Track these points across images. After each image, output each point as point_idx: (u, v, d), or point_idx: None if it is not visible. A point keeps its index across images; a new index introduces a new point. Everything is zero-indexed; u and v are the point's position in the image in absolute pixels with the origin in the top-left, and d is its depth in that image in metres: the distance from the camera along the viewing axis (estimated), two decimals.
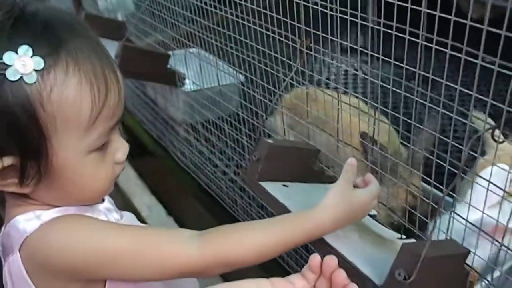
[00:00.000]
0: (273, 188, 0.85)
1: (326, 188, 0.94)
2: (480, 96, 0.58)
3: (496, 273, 0.83)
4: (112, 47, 1.50)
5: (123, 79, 0.60)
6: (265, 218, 1.32)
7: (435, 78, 0.64)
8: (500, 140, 0.56)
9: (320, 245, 0.72)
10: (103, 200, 0.69)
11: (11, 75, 0.51)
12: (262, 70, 0.99)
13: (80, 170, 0.58)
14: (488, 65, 0.54)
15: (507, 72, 0.53)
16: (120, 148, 0.63)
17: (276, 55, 0.91)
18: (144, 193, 2.11)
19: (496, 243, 0.64)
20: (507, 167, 0.67)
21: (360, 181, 0.73)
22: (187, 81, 1.53)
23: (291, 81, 0.88)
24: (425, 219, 0.78)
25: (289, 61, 0.90)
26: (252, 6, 0.93)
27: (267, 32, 0.92)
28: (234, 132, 1.30)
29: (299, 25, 0.82)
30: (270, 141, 0.86)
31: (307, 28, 0.81)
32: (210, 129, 1.45)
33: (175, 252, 0.60)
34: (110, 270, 0.59)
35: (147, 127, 2.01)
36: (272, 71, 0.96)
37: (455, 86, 0.61)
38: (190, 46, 1.39)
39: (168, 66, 1.50)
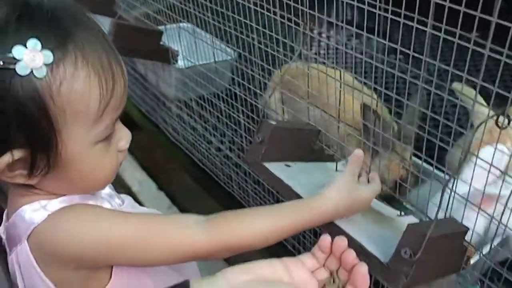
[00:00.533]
0: (276, 168, 0.87)
1: (326, 167, 0.98)
2: (457, 72, 0.60)
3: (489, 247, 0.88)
4: (101, 24, 1.48)
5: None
6: (261, 193, 1.36)
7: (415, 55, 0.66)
8: (504, 126, 0.59)
9: (326, 225, 0.75)
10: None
11: (21, 69, 0.50)
12: (262, 50, 1.00)
13: (87, 161, 0.59)
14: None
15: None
16: (123, 136, 0.63)
17: (277, 36, 0.92)
18: (134, 168, 2.11)
19: (492, 218, 0.68)
20: (505, 149, 0.70)
21: (364, 178, 0.77)
22: (180, 57, 1.52)
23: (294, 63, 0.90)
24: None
25: (291, 44, 0.91)
26: None
27: (269, 14, 0.92)
28: (227, 108, 1.31)
29: (302, 8, 0.83)
30: (273, 122, 0.87)
31: (311, 12, 0.81)
32: (203, 105, 1.46)
33: (181, 238, 0.62)
34: (117, 257, 0.60)
35: (136, 102, 2.00)
36: (273, 52, 0.97)
37: (434, 63, 0.63)
38: (181, 21, 1.39)
39: (161, 43, 1.49)
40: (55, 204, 0.61)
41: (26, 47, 0.50)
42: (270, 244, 0.67)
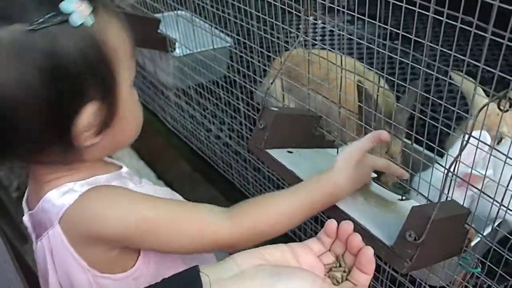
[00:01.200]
0: (279, 155, 0.88)
1: (327, 153, 0.98)
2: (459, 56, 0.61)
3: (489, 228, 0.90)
4: None
5: None
6: (261, 180, 1.36)
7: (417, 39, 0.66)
8: (506, 109, 0.60)
9: (331, 210, 0.76)
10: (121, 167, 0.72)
11: (74, 21, 0.54)
12: (263, 36, 1.00)
13: (130, 105, 0.64)
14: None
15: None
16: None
17: (277, 22, 0.92)
18: (133, 157, 2.11)
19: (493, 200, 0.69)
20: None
21: None
22: (177, 45, 1.51)
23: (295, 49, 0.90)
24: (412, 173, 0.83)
25: (291, 29, 0.91)
26: None
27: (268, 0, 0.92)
28: (226, 95, 1.31)
29: None
30: (275, 109, 0.88)
31: None
32: (202, 93, 1.46)
33: (212, 224, 0.64)
34: (150, 240, 0.62)
35: None
36: (273, 38, 0.97)
37: (436, 47, 0.64)
38: (179, 8, 1.38)
39: (159, 31, 1.48)
40: (83, 185, 0.62)
41: (70, 1, 0.54)
42: (295, 224, 0.70)
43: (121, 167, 0.72)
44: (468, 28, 0.59)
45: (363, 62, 1.04)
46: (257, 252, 0.55)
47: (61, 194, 0.61)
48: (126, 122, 0.64)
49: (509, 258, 0.71)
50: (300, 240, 1.27)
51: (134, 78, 0.64)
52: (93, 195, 0.61)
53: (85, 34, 0.55)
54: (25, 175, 1.92)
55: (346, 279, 0.56)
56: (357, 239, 0.58)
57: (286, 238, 1.30)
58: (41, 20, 0.53)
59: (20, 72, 0.52)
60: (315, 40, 0.90)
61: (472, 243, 0.81)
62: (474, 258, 0.80)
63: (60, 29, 0.54)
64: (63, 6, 0.54)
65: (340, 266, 0.58)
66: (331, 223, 0.59)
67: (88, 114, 0.58)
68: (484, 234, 0.80)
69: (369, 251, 0.56)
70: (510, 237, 0.73)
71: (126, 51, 0.61)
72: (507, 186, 0.67)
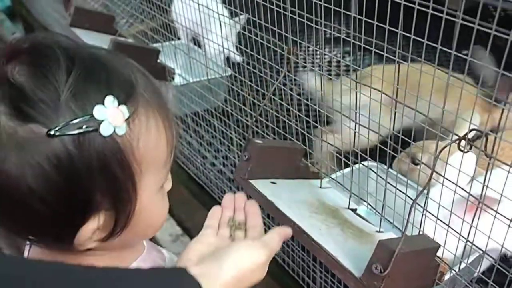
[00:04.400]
0: (261, 185, 0.92)
1: (310, 184, 1.02)
2: None
3: (464, 264, 0.92)
4: (100, 41, 1.54)
5: None
6: None
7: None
8: (465, 150, 0.63)
9: (305, 239, 0.79)
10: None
11: (105, 130, 0.47)
12: (251, 71, 1.05)
13: (153, 209, 0.57)
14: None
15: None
16: (169, 177, 0.60)
17: (264, 59, 0.97)
18: None
19: (462, 239, 0.72)
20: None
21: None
22: (176, 75, 1.57)
23: (279, 85, 0.94)
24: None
25: (276, 66, 0.96)
26: (241, 13, 0.98)
27: (256, 38, 0.97)
28: (220, 125, 1.36)
29: (286, 34, 0.87)
30: (259, 142, 0.92)
31: (294, 38, 0.86)
32: (198, 122, 1.51)
33: None
34: None
35: None
36: (261, 74, 1.02)
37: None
38: (173, 39, 1.44)
39: (158, 61, 1.54)
40: None
41: (105, 106, 0.47)
42: None
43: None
44: None
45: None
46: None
47: None
48: (147, 223, 0.57)
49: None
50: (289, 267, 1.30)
51: (164, 182, 0.57)
52: None
53: (113, 144, 0.48)
54: None
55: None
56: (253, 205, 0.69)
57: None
58: (63, 125, 0.45)
59: (23, 167, 0.46)
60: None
61: (446, 277, 0.84)
62: None
63: (87, 136, 0.46)
64: (96, 111, 0.46)
65: (233, 222, 0.67)
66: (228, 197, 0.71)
67: (95, 224, 0.50)
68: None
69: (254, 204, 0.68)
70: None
71: (158, 159, 0.53)
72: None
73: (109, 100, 0.47)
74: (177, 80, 1.58)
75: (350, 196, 0.96)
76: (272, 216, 1.30)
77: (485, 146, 0.62)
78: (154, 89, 0.54)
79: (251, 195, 0.93)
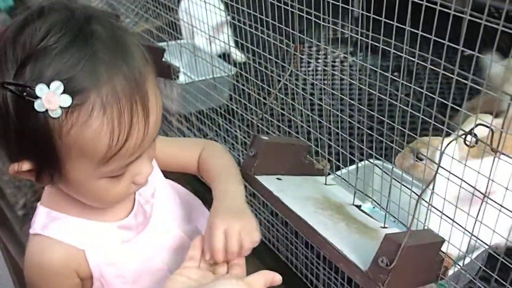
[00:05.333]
0: (267, 181, 0.93)
1: (315, 180, 1.03)
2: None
3: (468, 259, 0.93)
4: None
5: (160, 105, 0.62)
6: (256, 205, 1.41)
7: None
8: (471, 144, 0.64)
9: (311, 233, 0.80)
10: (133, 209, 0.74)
11: (37, 106, 0.52)
12: (257, 69, 1.05)
13: (91, 189, 0.62)
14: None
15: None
16: (141, 172, 0.63)
17: (270, 56, 0.98)
18: None
19: (467, 233, 0.72)
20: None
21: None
22: (181, 73, 1.58)
23: (286, 82, 0.95)
24: None
25: (283, 63, 0.97)
26: (249, 11, 0.99)
27: (262, 35, 0.98)
28: (225, 123, 1.37)
29: (293, 31, 0.89)
30: (266, 138, 0.93)
31: (301, 35, 0.87)
32: (202, 120, 1.52)
33: None
34: None
35: None
36: (266, 71, 1.03)
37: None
38: (178, 37, 1.45)
39: (163, 59, 1.55)
40: (55, 223, 0.66)
41: (49, 88, 0.52)
42: None
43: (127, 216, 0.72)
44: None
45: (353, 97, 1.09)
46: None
47: (37, 214, 0.67)
48: (85, 197, 0.64)
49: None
50: (292, 265, 1.31)
51: (113, 175, 0.61)
52: (30, 245, 0.67)
53: (42, 119, 0.53)
54: (31, 195, 1.98)
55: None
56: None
57: (277, 262, 1.34)
58: (10, 82, 0.53)
59: None
60: (308, 74, 0.95)
61: (450, 272, 0.84)
62: (451, 285, 0.84)
63: (24, 101, 0.52)
64: (37, 88, 0.52)
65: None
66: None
67: (16, 167, 0.58)
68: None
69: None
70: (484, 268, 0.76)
71: (95, 151, 0.56)
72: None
73: (55, 85, 0.52)
74: (182, 78, 1.59)
75: (354, 193, 0.97)
76: (276, 213, 1.32)
77: (491, 141, 0.63)
78: (132, 94, 0.56)
79: (258, 191, 0.94)
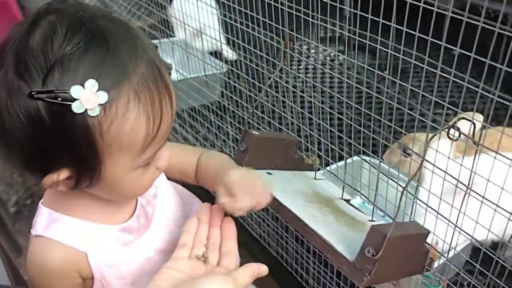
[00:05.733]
0: None
1: (304, 175, 1.05)
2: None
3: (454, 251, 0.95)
4: None
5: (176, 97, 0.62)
6: None
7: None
8: (455, 138, 0.66)
9: (300, 226, 0.82)
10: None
11: (76, 108, 0.52)
12: (248, 66, 1.07)
13: (126, 182, 0.62)
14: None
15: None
16: (162, 156, 0.65)
17: (261, 53, 0.99)
18: None
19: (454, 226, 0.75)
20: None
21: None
22: (173, 70, 1.60)
23: (276, 78, 0.97)
24: None
25: (273, 60, 0.99)
26: (240, 8, 1.01)
27: (253, 32, 1.00)
28: (217, 119, 1.38)
29: (283, 28, 0.90)
30: (256, 133, 0.95)
31: (291, 32, 0.89)
32: (194, 116, 1.53)
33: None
34: None
35: None
36: (257, 68, 1.04)
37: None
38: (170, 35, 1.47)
39: None
40: (43, 217, 0.67)
41: (84, 88, 0.52)
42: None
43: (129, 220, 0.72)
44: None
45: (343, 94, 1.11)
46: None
47: (39, 215, 0.67)
48: (120, 191, 0.64)
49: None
50: (283, 259, 1.33)
51: (147, 163, 0.62)
52: (32, 246, 0.67)
53: (82, 121, 0.53)
54: (23, 192, 1.98)
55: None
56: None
57: (268, 256, 1.36)
58: (42, 91, 0.52)
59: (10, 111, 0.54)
60: (299, 71, 0.97)
61: (436, 263, 0.87)
62: (436, 277, 0.86)
63: (60, 106, 0.52)
64: (73, 90, 0.52)
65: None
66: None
67: (55, 177, 0.58)
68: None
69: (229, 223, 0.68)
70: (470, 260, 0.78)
71: (133, 143, 0.57)
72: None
73: (90, 83, 0.52)
74: (174, 75, 1.61)
75: (343, 187, 0.99)
76: (267, 208, 1.33)
77: (473, 134, 0.65)
78: (157, 79, 0.57)
79: None
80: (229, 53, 1.88)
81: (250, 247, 1.46)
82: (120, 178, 0.61)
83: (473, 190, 0.69)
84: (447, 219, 0.76)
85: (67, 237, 0.66)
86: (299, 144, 1.04)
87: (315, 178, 1.04)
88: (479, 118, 0.86)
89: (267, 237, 1.39)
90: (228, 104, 1.29)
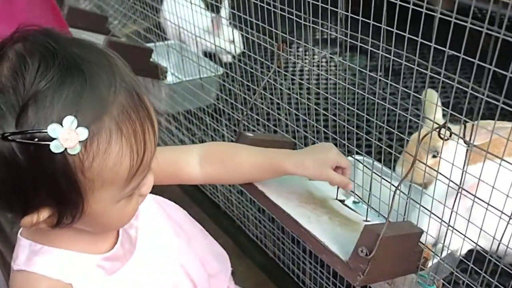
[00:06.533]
0: None
1: (299, 176, 1.05)
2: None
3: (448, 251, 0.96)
4: (94, 41, 1.57)
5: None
6: (244, 202, 1.43)
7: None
8: (446, 138, 0.67)
9: (294, 226, 0.83)
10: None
11: (55, 148, 0.49)
12: (243, 69, 1.08)
13: (109, 215, 0.60)
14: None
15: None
16: (146, 183, 0.62)
17: (255, 56, 1.00)
18: None
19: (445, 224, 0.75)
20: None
21: None
22: (168, 73, 1.60)
23: (269, 80, 0.98)
24: None
25: (267, 62, 1.00)
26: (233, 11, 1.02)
27: (247, 35, 1.00)
28: (212, 122, 1.39)
29: (276, 30, 0.91)
30: (250, 134, 0.95)
31: (283, 34, 0.90)
32: (190, 119, 1.54)
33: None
34: None
35: None
36: (251, 70, 1.05)
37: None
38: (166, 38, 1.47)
39: (151, 60, 1.57)
40: (40, 259, 0.62)
41: (62, 126, 0.48)
42: (249, 180, 0.89)
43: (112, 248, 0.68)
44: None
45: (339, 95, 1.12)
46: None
47: (21, 247, 0.63)
48: (103, 224, 0.61)
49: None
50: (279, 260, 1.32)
51: (129, 194, 0.59)
52: (14, 281, 0.62)
53: (62, 160, 0.49)
54: None
55: None
56: None
57: (266, 258, 1.36)
58: (16, 132, 0.48)
59: None
60: (293, 74, 0.98)
61: (430, 263, 0.87)
62: (431, 276, 0.87)
63: (37, 146, 0.48)
64: (50, 129, 0.48)
65: None
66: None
67: (34, 218, 0.54)
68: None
69: None
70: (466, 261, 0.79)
71: (117, 177, 0.54)
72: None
73: (68, 120, 0.48)
74: (170, 78, 1.62)
75: (338, 188, 1.00)
76: (263, 210, 1.34)
77: (464, 134, 0.66)
78: (138, 108, 0.54)
79: (242, 186, 0.97)
80: (228, 55, 1.89)
81: (247, 248, 1.47)
82: (104, 212, 0.58)
83: (465, 190, 0.70)
84: (440, 218, 0.76)
85: (51, 270, 0.62)
86: (293, 145, 1.04)
87: (309, 179, 1.04)
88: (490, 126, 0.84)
89: (264, 238, 1.40)
90: (224, 107, 1.30)
